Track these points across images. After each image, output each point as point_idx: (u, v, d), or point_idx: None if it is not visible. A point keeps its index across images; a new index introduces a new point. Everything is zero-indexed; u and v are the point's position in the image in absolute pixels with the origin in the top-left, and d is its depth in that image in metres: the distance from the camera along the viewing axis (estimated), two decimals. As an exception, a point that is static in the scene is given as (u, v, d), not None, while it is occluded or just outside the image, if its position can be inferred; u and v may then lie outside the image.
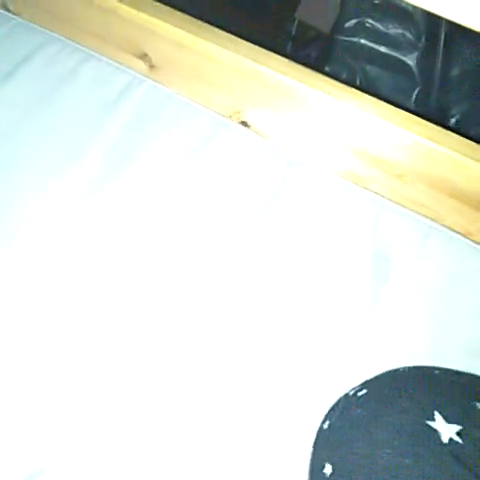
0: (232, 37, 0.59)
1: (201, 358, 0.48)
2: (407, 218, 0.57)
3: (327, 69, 1.16)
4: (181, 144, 0.60)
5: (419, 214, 0.57)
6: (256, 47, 0.58)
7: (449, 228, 0.57)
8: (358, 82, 1.17)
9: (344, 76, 1.16)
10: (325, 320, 0.51)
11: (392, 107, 0.56)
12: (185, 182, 0.58)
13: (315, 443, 0.41)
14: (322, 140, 0.59)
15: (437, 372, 0.41)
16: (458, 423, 0.36)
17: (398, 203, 0.57)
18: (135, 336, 0.48)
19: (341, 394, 0.43)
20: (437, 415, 0.36)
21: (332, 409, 0.42)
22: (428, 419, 0.36)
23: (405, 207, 0.57)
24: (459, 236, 0.56)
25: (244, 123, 0.63)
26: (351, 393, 0.41)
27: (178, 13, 0.60)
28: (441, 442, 0.35)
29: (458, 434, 0.35)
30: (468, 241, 0.56)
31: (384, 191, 0.58)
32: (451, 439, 0.35)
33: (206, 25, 0.59)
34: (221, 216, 0.56)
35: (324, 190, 0.58)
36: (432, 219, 0.57)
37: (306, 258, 0.54)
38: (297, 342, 0.50)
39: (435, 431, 0.35)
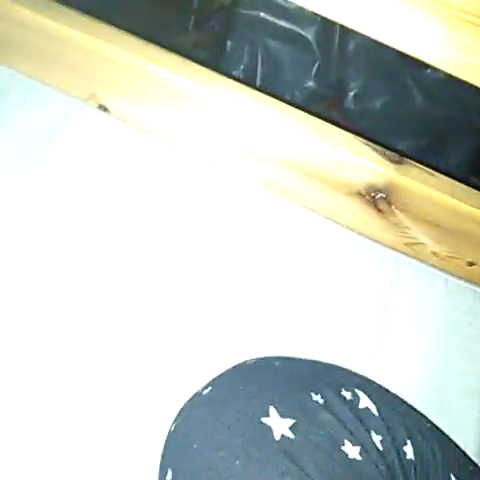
0: (83, 17, 0.54)
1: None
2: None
3: (229, 43, 1.15)
4: (33, 128, 0.56)
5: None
6: (109, 28, 0.54)
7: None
8: (259, 55, 1.17)
9: (246, 49, 1.15)
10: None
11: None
12: (39, 167, 0.54)
13: (164, 447, 0.40)
14: (181, 124, 0.57)
15: (278, 363, 0.41)
16: (291, 417, 0.35)
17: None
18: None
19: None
20: (272, 410, 0.35)
21: (181, 410, 0.40)
22: (263, 415, 0.35)
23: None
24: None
25: (102, 107, 0.59)
26: (198, 392, 0.40)
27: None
28: (273, 439, 0.34)
29: (291, 428, 0.35)
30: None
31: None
32: (283, 435, 0.34)
33: (54, 3, 0.54)
34: (79, 200, 0.53)
35: (180, 171, 0.57)
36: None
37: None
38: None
39: (269, 428, 0.35)
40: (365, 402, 0.37)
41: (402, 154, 0.54)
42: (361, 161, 0.53)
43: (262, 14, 1.10)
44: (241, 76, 1.12)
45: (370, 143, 0.53)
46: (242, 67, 1.15)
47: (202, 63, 0.61)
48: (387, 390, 0.41)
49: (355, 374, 0.42)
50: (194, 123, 0.56)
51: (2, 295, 0.48)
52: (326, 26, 1.07)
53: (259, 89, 1.14)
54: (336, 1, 0.42)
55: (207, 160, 0.58)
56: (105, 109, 0.59)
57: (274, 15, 1.11)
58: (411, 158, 0.54)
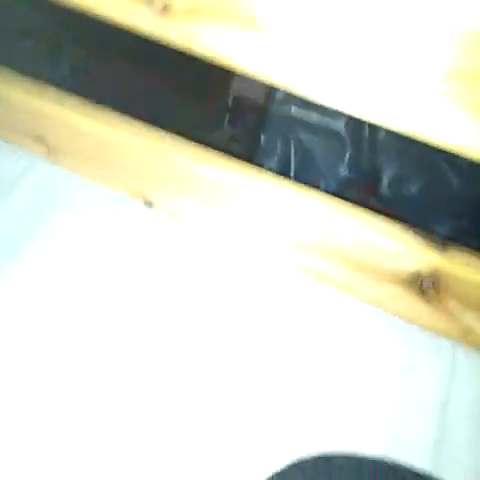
0: (128, 119, 0.58)
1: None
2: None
3: (263, 137, 1.20)
4: (81, 224, 0.59)
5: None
6: (151, 128, 0.57)
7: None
8: (293, 148, 1.20)
9: (279, 142, 1.19)
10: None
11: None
12: (84, 260, 0.57)
13: None
14: (222, 215, 0.59)
15: (340, 460, 0.38)
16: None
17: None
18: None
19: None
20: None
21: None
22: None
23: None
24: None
25: (148, 202, 0.61)
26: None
27: (74, 98, 0.59)
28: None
29: None
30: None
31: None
32: None
33: (103, 109, 0.59)
34: (118, 293, 0.55)
35: (224, 262, 0.58)
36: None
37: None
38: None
39: None
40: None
41: (445, 238, 0.53)
42: (403, 248, 0.52)
43: (293, 109, 1.15)
44: (275, 167, 1.16)
45: (411, 228, 0.53)
46: (276, 159, 1.18)
47: (238, 156, 0.65)
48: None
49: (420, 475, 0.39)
50: (232, 214, 0.58)
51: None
52: (355, 118, 1.10)
53: (294, 179, 1.18)
54: (359, 99, 0.43)
55: (246, 249, 0.59)
56: (150, 204, 0.62)
57: (305, 110, 1.16)
58: (454, 241, 0.53)
